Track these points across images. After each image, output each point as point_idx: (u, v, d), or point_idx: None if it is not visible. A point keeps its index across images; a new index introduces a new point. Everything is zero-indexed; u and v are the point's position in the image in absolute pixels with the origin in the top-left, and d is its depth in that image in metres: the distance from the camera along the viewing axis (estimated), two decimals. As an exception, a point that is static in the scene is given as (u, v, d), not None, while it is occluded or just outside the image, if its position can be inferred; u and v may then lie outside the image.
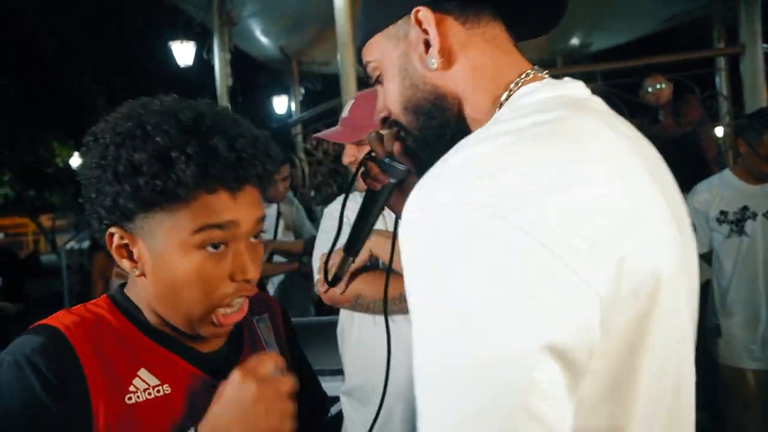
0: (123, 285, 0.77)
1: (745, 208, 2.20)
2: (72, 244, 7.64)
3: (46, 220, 23.07)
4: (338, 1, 3.78)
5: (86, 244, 6.18)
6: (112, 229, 0.68)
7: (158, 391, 0.68)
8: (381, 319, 1.35)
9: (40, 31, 9.23)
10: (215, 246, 0.68)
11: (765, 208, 2.18)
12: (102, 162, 0.66)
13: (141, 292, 0.72)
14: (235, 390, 0.64)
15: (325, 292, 1.31)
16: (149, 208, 0.66)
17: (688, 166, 2.96)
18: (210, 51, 5.79)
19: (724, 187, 2.26)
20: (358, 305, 1.33)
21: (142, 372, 0.68)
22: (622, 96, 4.04)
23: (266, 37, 6.25)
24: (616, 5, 5.66)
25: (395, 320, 1.35)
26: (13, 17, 9.36)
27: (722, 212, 2.24)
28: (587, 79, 5.10)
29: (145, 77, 10.03)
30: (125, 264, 0.70)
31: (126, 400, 0.66)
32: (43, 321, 0.69)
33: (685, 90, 3.82)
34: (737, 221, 2.21)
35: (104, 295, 0.75)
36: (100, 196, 0.66)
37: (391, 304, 1.32)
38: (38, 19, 9.15)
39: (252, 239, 0.72)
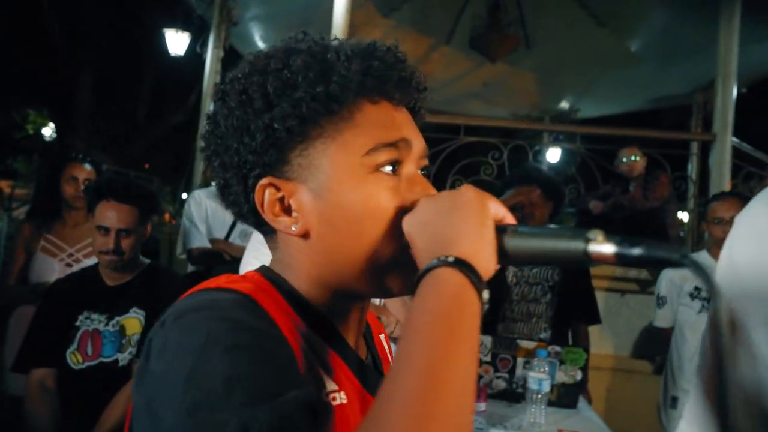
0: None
1: None
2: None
3: (5, 187, 22.32)
4: (337, 16, 3.80)
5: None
6: (264, 181, 0.55)
7: (335, 399, 0.54)
8: None
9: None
10: (392, 167, 0.56)
11: None
12: (243, 98, 0.55)
13: (295, 260, 0.58)
14: (453, 193, 0.53)
15: None
16: (309, 133, 0.54)
17: (655, 238, 3.01)
18: (204, 45, 5.74)
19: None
20: None
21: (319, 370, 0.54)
22: (599, 162, 4.12)
23: (264, 42, 6.25)
24: (606, 78, 5.88)
25: None
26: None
27: (696, 288, 2.33)
28: (569, 140, 5.21)
29: (138, 61, 9.91)
30: (283, 222, 0.56)
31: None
32: (204, 286, 0.54)
33: (658, 167, 3.91)
34: (709, 299, 2.28)
35: (255, 273, 0.59)
36: (247, 139, 0.54)
37: None
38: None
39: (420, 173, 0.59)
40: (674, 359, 2.40)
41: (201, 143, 0.61)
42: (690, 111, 5.57)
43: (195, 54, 6.56)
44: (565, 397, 2.05)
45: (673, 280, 2.41)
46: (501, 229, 0.52)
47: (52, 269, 2.40)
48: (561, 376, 2.05)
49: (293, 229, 0.56)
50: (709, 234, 2.36)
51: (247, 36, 6.02)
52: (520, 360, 2.09)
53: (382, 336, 0.73)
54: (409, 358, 0.41)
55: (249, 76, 0.56)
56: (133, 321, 1.80)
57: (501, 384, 2.11)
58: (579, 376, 2.07)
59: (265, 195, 0.56)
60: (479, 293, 0.46)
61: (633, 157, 3.75)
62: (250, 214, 0.58)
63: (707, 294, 2.28)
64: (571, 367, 2.06)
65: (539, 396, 1.86)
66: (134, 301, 1.81)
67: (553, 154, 7.20)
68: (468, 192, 0.53)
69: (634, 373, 3.36)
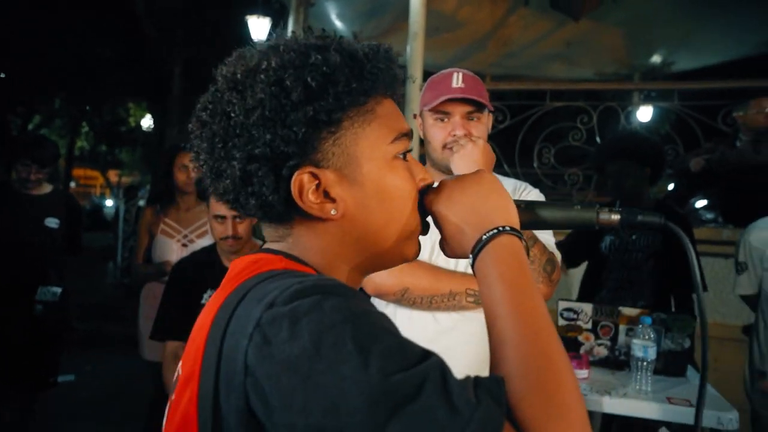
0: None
1: None
2: (141, 202, 7.98)
3: (113, 176, 24.37)
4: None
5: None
6: (303, 170, 0.58)
7: None
8: (421, 313, 1.34)
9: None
10: (404, 156, 0.64)
11: None
12: (274, 89, 0.56)
13: (316, 243, 0.62)
14: (474, 176, 0.65)
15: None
16: (341, 123, 0.59)
17: (765, 196, 2.78)
18: (284, 29, 5.91)
19: None
20: (404, 299, 1.32)
21: None
22: (699, 119, 3.84)
23: (341, 21, 6.31)
24: (702, 25, 5.37)
25: (436, 317, 1.34)
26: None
27: None
28: (663, 97, 4.87)
29: (221, 48, 10.30)
30: (324, 208, 0.60)
31: None
32: (263, 269, 0.57)
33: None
34: None
35: (285, 259, 0.62)
36: (282, 130, 0.56)
37: (439, 301, 1.31)
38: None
39: None
40: (761, 330, 2.21)
41: (197, 132, 0.61)
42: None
43: (272, 38, 6.77)
44: (672, 365, 2.00)
45: (752, 244, 2.17)
46: (517, 203, 0.66)
47: (171, 249, 2.65)
48: (668, 344, 2.00)
49: (333, 213, 0.60)
50: None
51: (324, 15, 6.11)
52: (622, 327, 2.06)
53: None
54: (510, 310, 0.54)
55: (282, 68, 0.57)
56: None
57: (603, 351, 2.09)
58: (687, 343, 2.00)
59: (304, 183, 0.58)
60: (526, 246, 0.61)
61: (764, 109, 3.37)
62: (278, 203, 0.59)
63: None
64: (678, 334, 2.00)
65: (645, 363, 1.83)
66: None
67: (645, 113, 6.76)
68: (488, 175, 0.65)
69: (744, 342, 3.18)
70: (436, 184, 0.67)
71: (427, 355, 0.47)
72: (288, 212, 0.61)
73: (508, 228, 0.60)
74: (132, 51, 11.70)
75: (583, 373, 1.94)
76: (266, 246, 0.66)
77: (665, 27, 5.58)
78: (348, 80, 0.58)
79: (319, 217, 0.60)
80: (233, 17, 8.67)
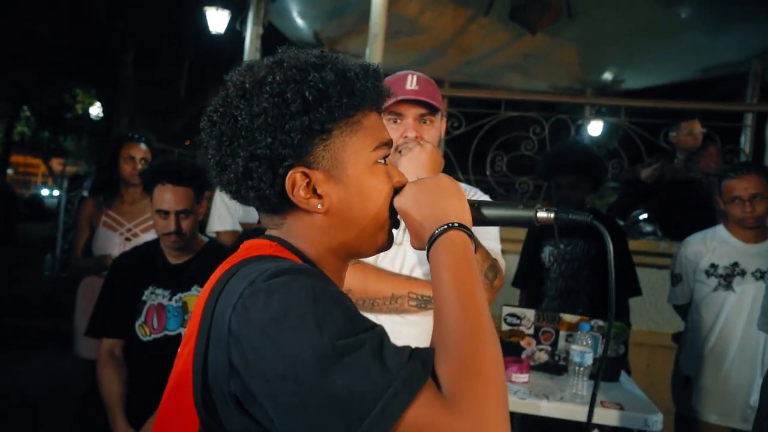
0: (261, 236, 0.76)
1: (735, 264, 2.21)
2: (86, 192, 7.64)
3: (57, 164, 23.21)
4: (377, -8, 3.77)
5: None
6: (296, 170, 0.69)
7: None
8: (374, 316, 1.33)
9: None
10: (384, 160, 0.75)
11: (755, 267, 2.18)
12: (277, 100, 0.67)
13: (306, 233, 0.73)
14: (434, 179, 0.76)
15: None
16: (332, 132, 0.69)
17: (697, 211, 2.95)
18: (243, 23, 5.80)
19: (717, 241, 2.28)
20: None
21: None
22: (643, 135, 4.02)
23: (302, 19, 6.26)
24: (651, 47, 5.64)
25: (379, 319, 1.33)
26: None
27: (712, 265, 2.24)
28: (612, 113, 5.08)
29: (178, 39, 10.05)
30: (312, 202, 0.71)
31: None
32: (253, 253, 0.70)
33: (707, 139, 3.79)
34: (726, 276, 2.21)
35: (266, 240, 0.74)
36: (282, 135, 0.67)
37: (381, 303, 1.31)
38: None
39: None
40: (688, 337, 2.36)
41: (207, 130, 0.72)
42: (745, 80, 5.31)
43: (233, 32, 6.64)
44: (606, 370, 2.08)
45: (687, 257, 2.32)
46: (470, 203, 0.77)
47: (113, 243, 2.55)
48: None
49: (319, 207, 0.71)
50: (726, 211, 2.23)
51: (285, 12, 6.04)
52: (562, 333, 2.13)
53: None
54: (451, 288, 0.65)
55: (285, 83, 0.68)
56: (195, 299, 1.90)
57: (543, 356, 2.15)
58: (621, 349, 2.09)
59: (296, 181, 0.69)
60: (474, 242, 0.72)
61: (696, 131, 3.61)
62: (273, 197, 0.70)
63: (724, 271, 2.22)
64: (613, 341, 2.07)
65: (581, 368, 1.90)
66: (195, 279, 1.89)
67: (595, 128, 7.03)
68: (446, 178, 0.77)
69: (674, 349, 3.34)
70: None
71: (371, 327, 0.59)
72: (282, 204, 0.72)
73: (457, 224, 0.71)
74: (80, 35, 11.19)
75: (523, 377, 1.99)
76: (266, 233, 0.76)
77: (616, 46, 5.83)
78: (340, 96, 0.69)
79: (308, 210, 0.71)
80: (190, 8, 8.44)
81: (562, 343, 2.13)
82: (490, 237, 1.38)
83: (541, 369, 2.13)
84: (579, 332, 1.94)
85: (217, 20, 6.73)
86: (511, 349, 2.14)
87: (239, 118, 0.68)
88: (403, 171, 1.32)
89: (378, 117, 0.76)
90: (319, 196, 0.71)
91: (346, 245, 0.75)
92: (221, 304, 0.62)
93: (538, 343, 2.15)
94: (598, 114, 6.74)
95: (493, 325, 0.63)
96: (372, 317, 1.32)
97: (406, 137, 1.35)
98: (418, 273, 1.38)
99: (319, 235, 0.73)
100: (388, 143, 0.76)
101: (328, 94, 0.68)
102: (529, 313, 2.16)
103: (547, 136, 4.09)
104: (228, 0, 6.62)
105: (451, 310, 0.63)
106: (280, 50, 0.74)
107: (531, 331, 2.15)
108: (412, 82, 1.36)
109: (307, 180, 0.70)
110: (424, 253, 1.32)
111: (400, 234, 1.39)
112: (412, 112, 1.36)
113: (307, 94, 0.67)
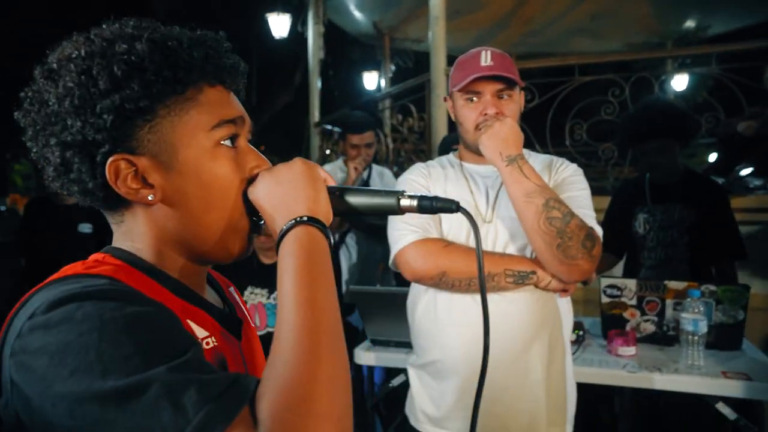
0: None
1: None
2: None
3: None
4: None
5: None
6: (115, 157, 0.59)
7: (208, 344, 0.63)
8: (461, 297, 1.33)
9: None
10: (231, 141, 0.64)
11: None
12: (83, 78, 0.57)
13: (145, 230, 0.64)
14: (287, 165, 0.66)
15: None
16: (157, 112, 0.60)
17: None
18: (304, 23, 5.91)
19: None
20: (442, 283, 1.31)
21: (190, 323, 0.62)
22: (740, 81, 3.66)
23: (360, 11, 6.28)
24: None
25: (476, 299, 1.31)
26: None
27: None
28: (698, 63, 4.67)
29: (244, 48, 10.38)
30: (140, 193, 0.61)
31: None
32: (60, 275, 0.58)
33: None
34: None
35: (100, 254, 0.64)
36: (92, 118, 0.57)
37: (477, 283, 1.29)
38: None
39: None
40: None
41: (22, 122, 0.62)
42: None
43: (292, 34, 6.78)
44: (725, 338, 1.93)
45: None
46: (331, 190, 0.68)
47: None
48: (719, 317, 1.93)
49: (150, 198, 0.61)
50: None
51: (343, 7, 6.09)
52: (669, 302, 2.00)
53: (231, 288, 0.83)
54: (290, 296, 0.55)
55: (89, 57, 0.58)
56: None
57: (650, 327, 2.03)
58: (741, 315, 1.92)
59: (119, 170, 0.60)
60: (326, 235, 0.62)
61: None
62: (97, 189, 0.61)
63: None
64: (730, 306, 1.92)
65: (696, 338, 1.77)
66: None
67: (680, 82, 6.51)
68: (298, 163, 0.66)
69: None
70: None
71: (178, 353, 0.48)
72: (111, 198, 0.62)
73: (306, 218, 0.61)
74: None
75: (630, 350, 1.89)
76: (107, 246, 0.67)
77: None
78: (159, 69, 0.58)
79: (141, 203, 0.62)
80: (249, 18, 8.71)
81: (669, 312, 2.00)
82: (583, 204, 1.32)
83: (648, 341, 2.02)
84: (688, 299, 1.81)
85: (279, 25, 6.89)
86: (614, 322, 2.04)
87: (49, 103, 0.58)
88: (483, 149, 1.31)
89: (222, 92, 0.65)
90: (151, 186, 0.61)
91: (191, 245, 0.65)
92: (5, 346, 0.52)
93: (643, 313, 2.03)
94: (681, 66, 6.24)
95: (339, 337, 0.54)
96: (469, 298, 1.32)
97: (485, 115, 1.32)
98: (512, 249, 1.34)
99: (158, 231, 0.64)
100: (234, 120, 0.64)
101: (142, 66, 0.58)
102: (630, 283, 2.05)
103: (628, 96, 3.84)
104: (286, 3, 6.76)
105: (285, 323, 0.53)
106: (104, 25, 0.63)
107: (634, 302, 2.04)
108: (486, 58, 1.32)
109: (134, 168, 0.60)
110: (516, 228, 1.31)
111: (489, 212, 1.36)
112: (489, 89, 1.32)
113: (115, 68, 0.57)
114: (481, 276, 0.74)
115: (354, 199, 0.70)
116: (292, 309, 0.54)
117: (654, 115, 2.35)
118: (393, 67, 7.25)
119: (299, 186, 0.64)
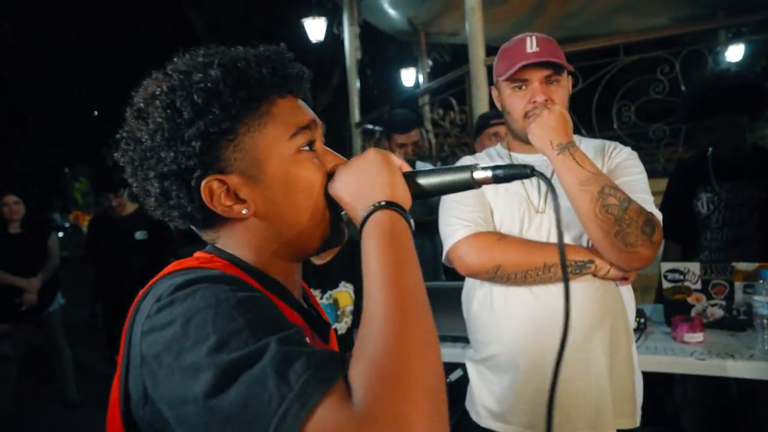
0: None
1: None
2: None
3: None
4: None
5: None
6: (208, 179, 0.64)
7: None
8: (517, 289, 1.31)
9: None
10: (310, 146, 0.69)
11: None
12: (169, 112, 0.63)
13: (243, 242, 0.69)
14: (361, 156, 0.70)
15: None
16: (238, 131, 0.64)
17: None
18: (340, 25, 5.96)
19: None
20: (498, 276, 1.29)
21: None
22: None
23: (394, 9, 6.28)
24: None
25: (534, 291, 1.30)
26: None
27: None
28: (757, 31, 4.40)
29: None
30: (234, 209, 0.66)
31: None
32: (180, 266, 0.65)
33: None
34: None
35: (206, 253, 0.70)
36: (182, 147, 0.63)
37: (534, 274, 1.28)
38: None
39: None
40: None
41: (121, 161, 0.67)
42: None
43: (329, 37, 6.85)
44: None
45: None
46: (406, 175, 0.70)
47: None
48: (795, 298, 1.82)
49: (244, 212, 0.66)
50: None
51: (377, 7, 6.11)
52: (738, 285, 1.90)
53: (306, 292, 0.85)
54: (377, 275, 0.57)
55: (171, 91, 0.63)
56: (344, 294, 2.00)
57: (718, 312, 1.94)
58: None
59: (213, 190, 0.65)
60: (406, 218, 0.64)
61: None
62: (196, 212, 0.66)
63: None
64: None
65: (770, 321, 1.68)
66: (341, 276, 1.98)
67: (736, 52, 6.17)
68: (372, 153, 0.69)
69: None
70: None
71: (282, 329, 0.53)
72: (209, 218, 0.67)
73: (384, 203, 0.64)
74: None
75: (697, 336, 1.82)
76: (208, 247, 0.73)
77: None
78: (233, 91, 0.63)
79: (236, 218, 0.67)
80: (281, 24, 8.83)
81: (739, 296, 1.90)
82: (639, 189, 1.27)
83: (717, 326, 1.93)
84: (761, 281, 1.72)
85: (315, 29, 6.99)
86: (678, 308, 1.96)
87: (142, 140, 0.64)
88: (533, 139, 1.29)
89: (293, 101, 0.69)
90: (243, 201, 0.66)
91: (286, 245, 0.69)
92: (135, 326, 0.59)
93: (709, 297, 1.95)
94: (735, 37, 5.91)
95: (427, 311, 0.56)
96: (525, 290, 1.30)
97: (534, 102, 1.29)
98: (567, 239, 1.31)
99: (255, 240, 0.69)
100: (309, 126, 0.68)
101: (218, 91, 0.63)
102: (693, 267, 1.96)
103: (678, 73, 3.68)
104: (320, 6, 6.84)
105: (373, 301, 0.55)
106: (176, 59, 0.68)
107: (698, 286, 1.95)
108: (531, 44, 1.30)
109: (225, 186, 0.65)
110: (570, 217, 1.27)
111: (541, 202, 1.34)
112: (537, 76, 1.30)
113: (195, 97, 0.62)
114: (561, 243, 0.72)
115: (429, 180, 0.71)
116: (379, 287, 0.56)
117: (725, 87, 2.22)
118: (430, 62, 7.22)
119: (375, 173, 0.67)
